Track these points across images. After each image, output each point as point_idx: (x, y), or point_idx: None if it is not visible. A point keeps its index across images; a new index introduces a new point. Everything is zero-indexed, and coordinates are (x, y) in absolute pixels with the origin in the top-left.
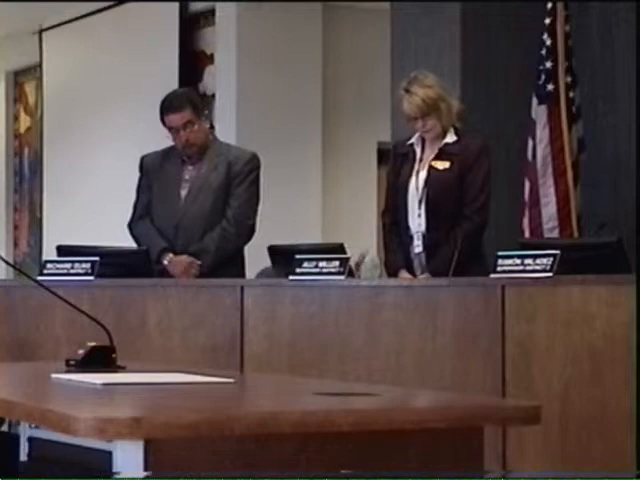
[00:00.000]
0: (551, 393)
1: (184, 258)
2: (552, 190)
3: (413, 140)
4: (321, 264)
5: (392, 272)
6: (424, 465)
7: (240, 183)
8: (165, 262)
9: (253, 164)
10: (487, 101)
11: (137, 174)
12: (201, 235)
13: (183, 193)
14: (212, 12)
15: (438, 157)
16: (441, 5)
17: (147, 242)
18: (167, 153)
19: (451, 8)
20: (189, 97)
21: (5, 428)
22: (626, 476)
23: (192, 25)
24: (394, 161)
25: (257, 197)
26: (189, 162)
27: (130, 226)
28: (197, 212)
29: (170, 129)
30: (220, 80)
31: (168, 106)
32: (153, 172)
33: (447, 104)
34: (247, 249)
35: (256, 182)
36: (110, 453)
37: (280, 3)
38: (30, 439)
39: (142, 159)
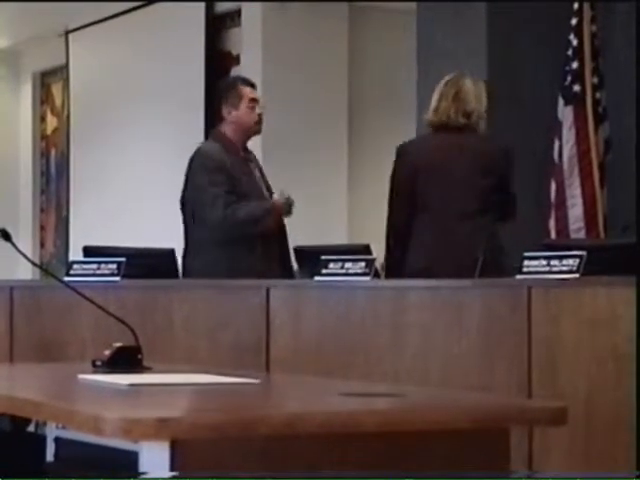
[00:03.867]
0: (577, 394)
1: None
2: (578, 191)
3: None
4: (347, 265)
5: None
6: (450, 466)
7: None
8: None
9: None
10: (513, 102)
11: (162, 175)
12: None
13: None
14: (238, 12)
15: None
16: (467, 6)
17: (253, 211)
18: (224, 150)
19: (477, 9)
20: None
21: (32, 428)
22: (626, 476)
23: (218, 25)
24: None
25: None
26: (242, 160)
27: (227, 214)
28: None
29: (252, 100)
30: None
31: (248, 80)
32: (227, 169)
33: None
34: None
35: None
36: (136, 454)
37: (306, 3)
38: (57, 439)
39: (211, 154)
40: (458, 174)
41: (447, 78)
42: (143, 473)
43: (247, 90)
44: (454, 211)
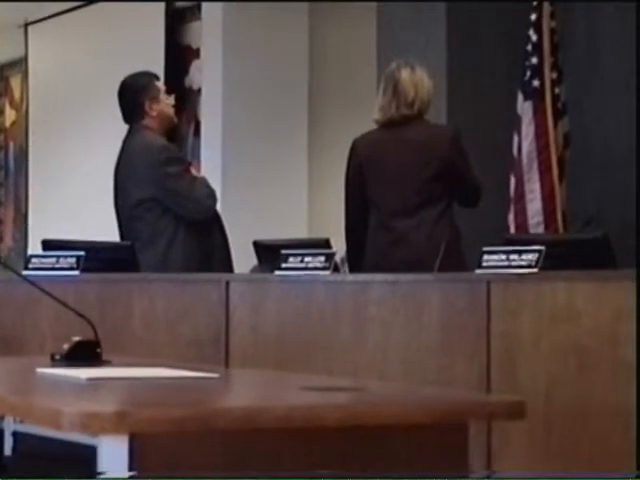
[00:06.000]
0: (536, 389)
1: None
2: (537, 186)
3: None
4: (307, 259)
5: None
6: (409, 460)
7: None
8: None
9: None
10: (473, 96)
11: None
12: None
13: None
14: (198, 6)
15: None
16: (428, 1)
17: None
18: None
19: (437, 3)
20: None
21: None
22: (626, 476)
23: (178, 19)
24: None
25: None
26: None
27: (212, 190)
28: None
29: (166, 92)
30: (206, 75)
31: (156, 74)
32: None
33: None
34: (233, 246)
35: None
36: (95, 448)
37: None
38: (15, 434)
39: (167, 145)
40: (397, 169)
41: (385, 73)
42: (101, 473)
43: (160, 84)
44: (395, 208)
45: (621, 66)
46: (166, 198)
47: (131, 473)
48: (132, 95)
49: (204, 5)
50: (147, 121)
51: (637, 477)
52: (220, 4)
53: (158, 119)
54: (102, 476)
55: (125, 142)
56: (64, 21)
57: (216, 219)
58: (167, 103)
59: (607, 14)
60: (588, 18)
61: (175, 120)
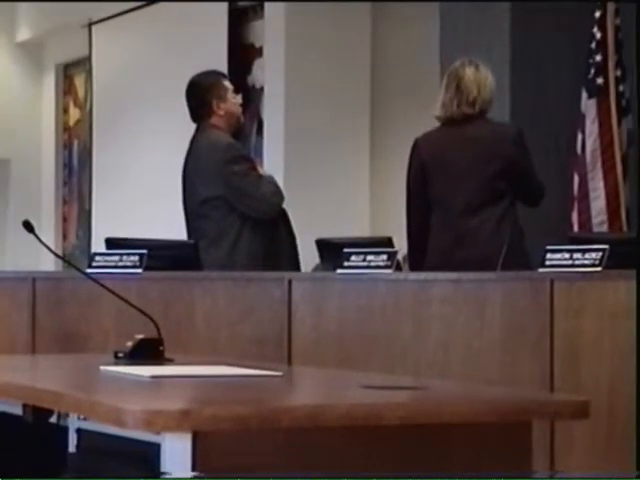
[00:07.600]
0: (599, 388)
1: None
2: (601, 184)
3: None
4: (369, 257)
5: None
6: (472, 460)
7: None
8: None
9: None
10: (537, 94)
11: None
12: None
13: None
14: (261, 5)
15: None
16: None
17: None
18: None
19: (501, 2)
20: None
21: (54, 419)
22: (626, 476)
23: (241, 18)
24: None
25: None
26: None
27: (279, 188)
28: None
29: (233, 92)
30: (269, 73)
31: (224, 73)
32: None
33: None
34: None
35: None
36: (159, 445)
37: None
38: (79, 431)
39: (233, 144)
40: (461, 167)
41: (449, 70)
42: (164, 473)
43: (228, 82)
44: (459, 206)
45: None
46: (232, 196)
47: (194, 473)
48: (200, 94)
49: (267, 3)
50: (214, 120)
51: (637, 477)
52: (283, 3)
53: (225, 118)
54: (166, 476)
55: (192, 140)
56: (127, 20)
57: (283, 217)
58: (234, 102)
59: None
60: None
61: (242, 119)
